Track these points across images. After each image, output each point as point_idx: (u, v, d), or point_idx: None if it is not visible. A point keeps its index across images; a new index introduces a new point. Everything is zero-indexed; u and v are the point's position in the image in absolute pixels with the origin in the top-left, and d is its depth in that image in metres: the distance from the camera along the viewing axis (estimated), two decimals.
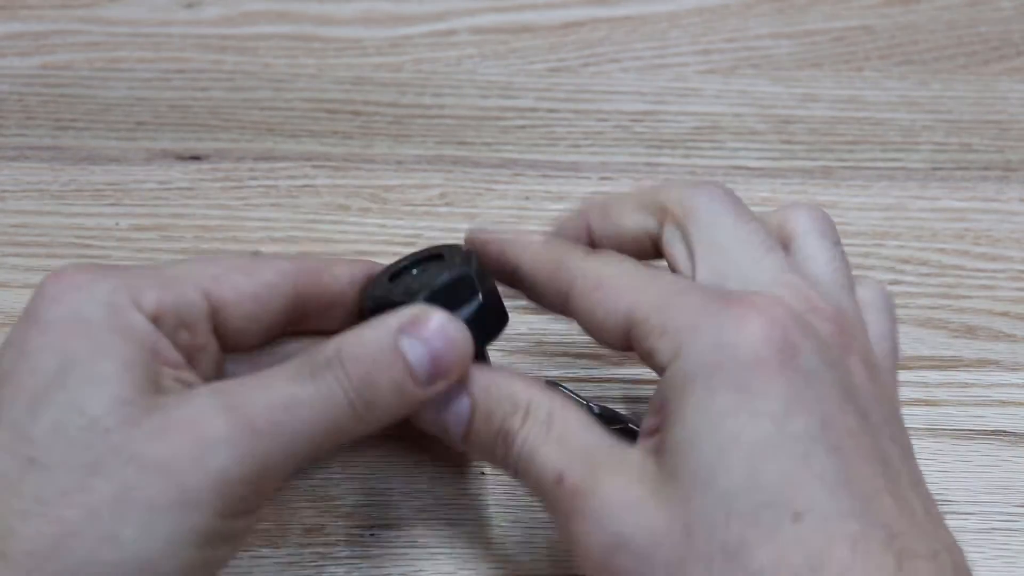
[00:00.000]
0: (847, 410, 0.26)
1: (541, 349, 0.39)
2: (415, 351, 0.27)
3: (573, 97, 0.48)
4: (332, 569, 0.34)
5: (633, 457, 0.27)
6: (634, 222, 0.32)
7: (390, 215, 0.44)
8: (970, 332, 0.40)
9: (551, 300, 0.32)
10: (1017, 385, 0.39)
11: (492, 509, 0.35)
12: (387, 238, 0.43)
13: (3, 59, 0.49)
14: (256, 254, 0.30)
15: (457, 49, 0.50)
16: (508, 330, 0.40)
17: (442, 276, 0.30)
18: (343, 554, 0.34)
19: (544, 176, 0.45)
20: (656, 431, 0.27)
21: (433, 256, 0.32)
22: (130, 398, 0.25)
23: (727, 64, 0.50)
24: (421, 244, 0.42)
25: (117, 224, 0.43)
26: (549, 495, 0.28)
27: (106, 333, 0.26)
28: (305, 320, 0.30)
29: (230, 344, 0.29)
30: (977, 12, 0.52)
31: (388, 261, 0.41)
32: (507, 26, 0.51)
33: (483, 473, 0.36)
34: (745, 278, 0.29)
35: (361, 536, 0.35)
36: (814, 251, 0.31)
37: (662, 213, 0.31)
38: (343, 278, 0.31)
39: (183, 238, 0.42)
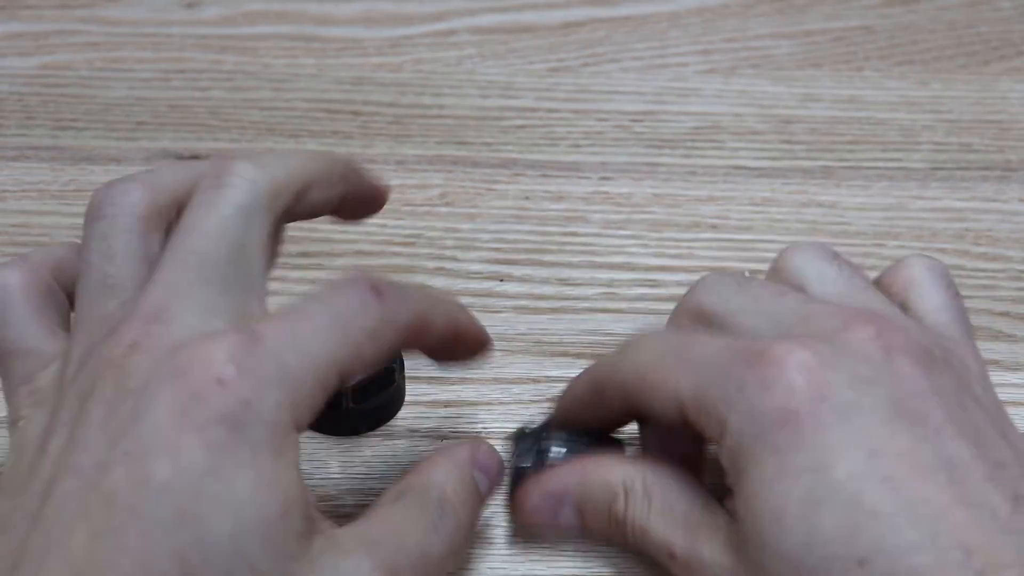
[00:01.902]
0: (896, 428, 0.26)
1: (541, 349, 0.39)
2: (482, 484, 0.30)
3: (573, 97, 0.48)
4: None
5: (721, 518, 0.28)
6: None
7: (390, 215, 0.44)
8: None
9: (613, 419, 0.33)
10: (1017, 385, 0.39)
11: (492, 509, 0.35)
12: (387, 238, 0.43)
13: (3, 59, 0.49)
14: (382, 292, 0.27)
15: (457, 49, 0.50)
16: (508, 330, 0.40)
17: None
18: None
19: (544, 176, 0.45)
20: (731, 491, 0.28)
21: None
22: (294, 551, 0.24)
23: (727, 64, 0.50)
24: (421, 244, 0.43)
25: None
26: (667, 567, 0.29)
27: (272, 464, 0.24)
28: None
29: None
30: (977, 12, 0.52)
31: (388, 262, 0.41)
32: (507, 26, 0.51)
33: None
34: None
35: None
36: (921, 292, 0.32)
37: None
38: (435, 331, 0.30)
39: None
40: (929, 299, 0.31)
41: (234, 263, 0.27)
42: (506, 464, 0.32)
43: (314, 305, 0.26)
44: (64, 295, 0.29)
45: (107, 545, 0.23)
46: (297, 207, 0.30)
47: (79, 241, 0.29)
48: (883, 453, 0.25)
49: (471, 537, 0.29)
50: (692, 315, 0.32)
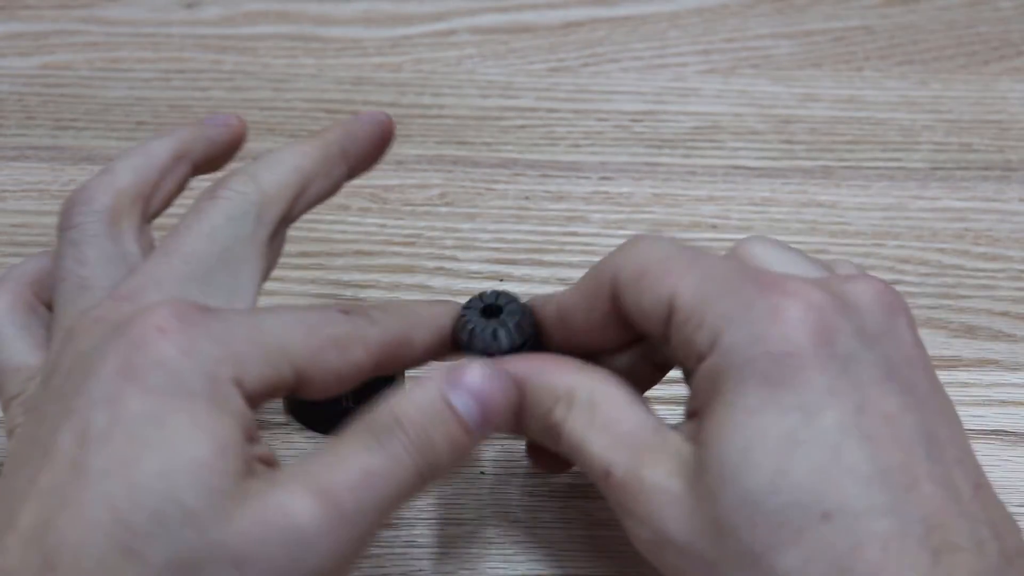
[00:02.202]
0: (888, 390, 0.25)
1: None
2: (465, 404, 0.27)
3: (573, 97, 0.48)
4: None
5: (673, 442, 0.27)
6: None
7: (390, 215, 0.44)
8: (970, 332, 0.40)
9: (596, 325, 0.30)
10: (1017, 385, 0.39)
11: (492, 509, 0.35)
12: (387, 238, 0.43)
13: (3, 59, 0.49)
14: (349, 311, 0.28)
15: (457, 49, 0.50)
16: None
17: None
18: None
19: (544, 176, 0.45)
20: (695, 415, 0.27)
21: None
22: (227, 489, 0.24)
23: (727, 64, 0.50)
24: (421, 243, 0.43)
25: None
26: (601, 488, 0.27)
27: (208, 410, 0.24)
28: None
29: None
30: (977, 12, 0.52)
31: (388, 262, 0.41)
32: (507, 26, 0.51)
33: (482, 473, 0.36)
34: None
35: None
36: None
37: None
38: (418, 349, 0.30)
39: None
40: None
41: (219, 267, 0.28)
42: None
43: (282, 308, 0.28)
44: (44, 307, 0.31)
45: (48, 505, 0.24)
46: (297, 207, 0.31)
47: (51, 248, 0.30)
48: (871, 412, 0.25)
49: (440, 459, 0.27)
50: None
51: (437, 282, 0.41)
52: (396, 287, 0.41)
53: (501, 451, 0.37)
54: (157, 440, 0.24)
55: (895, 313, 0.27)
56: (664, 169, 0.46)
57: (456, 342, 0.31)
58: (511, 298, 0.31)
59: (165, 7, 0.51)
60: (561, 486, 0.36)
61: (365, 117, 0.34)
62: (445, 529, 0.35)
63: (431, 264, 0.42)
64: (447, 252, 0.42)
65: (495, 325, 0.30)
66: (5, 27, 0.50)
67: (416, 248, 0.43)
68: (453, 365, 0.28)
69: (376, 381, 0.35)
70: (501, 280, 0.41)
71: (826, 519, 0.23)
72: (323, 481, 0.25)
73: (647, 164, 0.46)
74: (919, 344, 0.27)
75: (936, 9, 0.52)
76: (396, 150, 0.46)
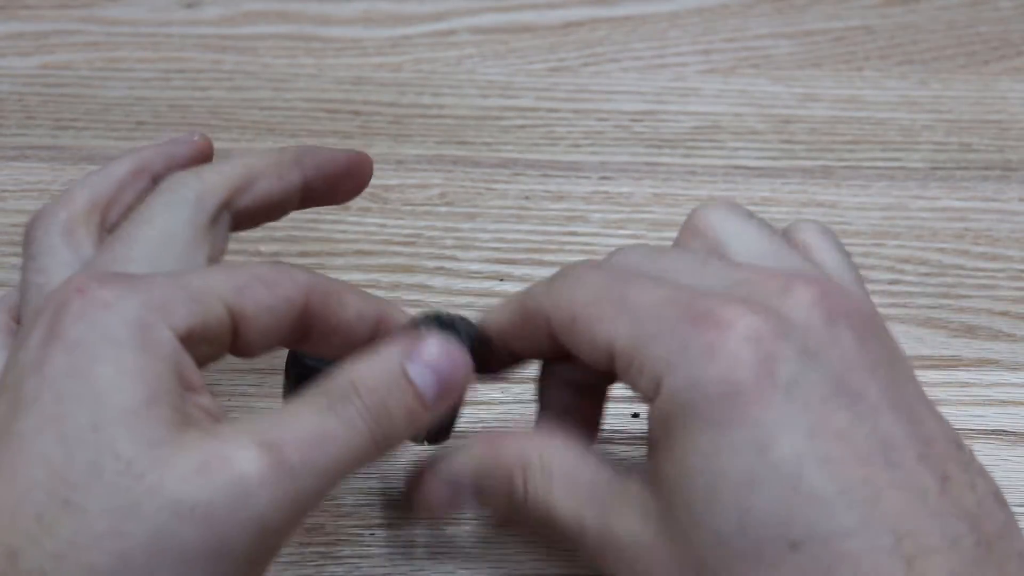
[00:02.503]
0: (838, 405, 0.25)
1: None
2: (422, 376, 0.27)
3: (573, 97, 0.48)
4: (332, 569, 0.34)
5: (633, 490, 0.27)
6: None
7: (390, 215, 0.44)
8: (970, 332, 0.40)
9: (539, 349, 0.30)
10: (1017, 385, 0.39)
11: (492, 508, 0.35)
12: (387, 238, 0.43)
13: (3, 59, 0.49)
14: (277, 263, 0.29)
15: (457, 49, 0.50)
16: None
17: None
18: (343, 554, 0.34)
19: (544, 176, 0.45)
20: (653, 449, 0.27)
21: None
22: (163, 436, 0.24)
23: (727, 64, 0.50)
24: (421, 243, 0.43)
25: None
26: (580, 548, 0.28)
27: (135, 357, 0.25)
28: (304, 339, 0.30)
29: (236, 354, 0.29)
30: (977, 12, 0.52)
31: (388, 261, 0.41)
32: (507, 26, 0.51)
33: None
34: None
35: (361, 536, 0.34)
36: (821, 255, 0.30)
37: None
38: (350, 309, 0.29)
39: None
40: (829, 259, 0.30)
41: (161, 249, 0.30)
42: None
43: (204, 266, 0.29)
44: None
45: None
46: (243, 200, 0.32)
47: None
48: (823, 433, 0.24)
49: (394, 427, 0.27)
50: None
51: (437, 282, 0.41)
52: (396, 287, 0.41)
53: None
54: (85, 393, 0.24)
55: (834, 321, 0.26)
56: (664, 169, 0.46)
57: None
58: (463, 318, 0.31)
59: (165, 7, 0.51)
60: None
61: (335, 151, 0.35)
62: (445, 529, 0.35)
63: (431, 264, 0.42)
64: (447, 252, 0.42)
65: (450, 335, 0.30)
66: (5, 27, 0.50)
67: (416, 248, 0.43)
68: (412, 335, 0.28)
69: None
70: (501, 280, 0.41)
71: (795, 548, 0.24)
72: (271, 436, 0.25)
73: (647, 164, 0.46)
74: (864, 345, 0.26)
75: (936, 9, 0.52)
76: (396, 150, 0.46)
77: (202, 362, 0.27)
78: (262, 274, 0.28)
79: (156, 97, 0.48)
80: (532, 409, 0.37)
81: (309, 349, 0.30)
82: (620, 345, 0.26)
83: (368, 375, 0.27)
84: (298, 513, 0.25)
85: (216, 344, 0.27)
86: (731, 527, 0.24)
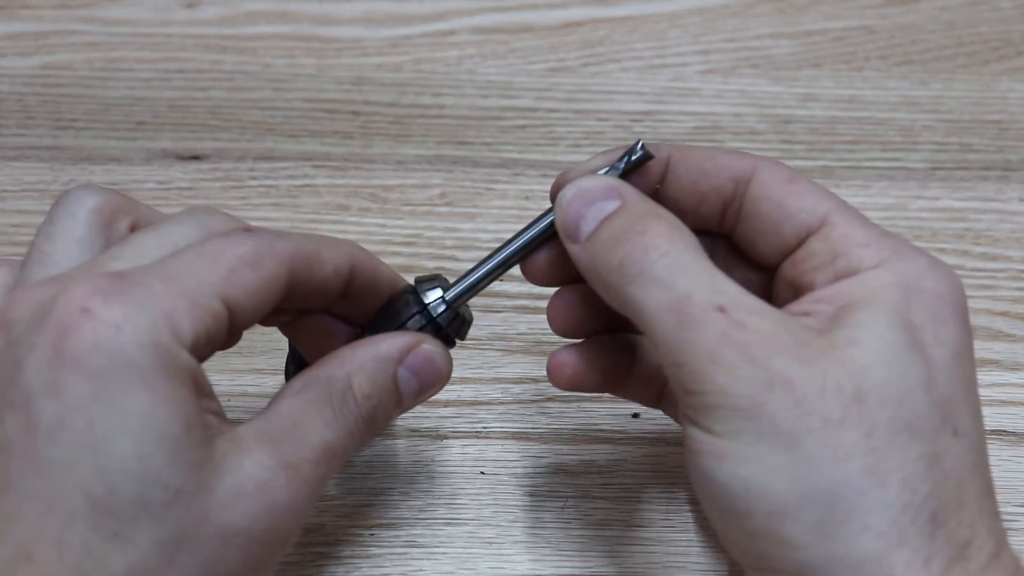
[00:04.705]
0: None
1: (541, 349, 0.39)
2: (408, 384, 0.29)
3: (573, 97, 0.48)
4: (332, 569, 0.34)
5: (775, 312, 0.27)
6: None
7: (390, 215, 0.44)
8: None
9: (718, 196, 0.31)
10: (1017, 385, 0.39)
11: (492, 509, 0.35)
12: (387, 238, 0.43)
13: (3, 59, 0.49)
14: (252, 229, 0.29)
15: (457, 49, 0.50)
16: (508, 330, 0.40)
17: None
18: (343, 554, 0.34)
19: (544, 176, 0.45)
20: (807, 314, 0.27)
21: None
22: (200, 458, 0.25)
23: (727, 64, 0.50)
24: (421, 243, 0.43)
25: None
26: (695, 323, 0.26)
27: (163, 383, 0.24)
28: (284, 304, 0.30)
29: (226, 345, 0.29)
30: (977, 12, 0.52)
31: (388, 261, 0.41)
32: (507, 26, 0.51)
33: (483, 473, 0.36)
34: None
35: (361, 536, 0.35)
36: None
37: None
38: (328, 266, 0.30)
39: None
40: None
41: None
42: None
43: (185, 249, 0.27)
44: None
45: (11, 498, 0.24)
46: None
47: None
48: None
49: (375, 430, 0.29)
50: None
51: None
52: None
53: (501, 451, 0.37)
54: (120, 423, 0.24)
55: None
56: None
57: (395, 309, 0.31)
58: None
59: (165, 7, 0.51)
60: (561, 486, 0.36)
61: None
62: (445, 529, 0.35)
63: (431, 264, 0.42)
64: (447, 252, 0.42)
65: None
66: (5, 27, 0.50)
67: (416, 248, 0.43)
68: (411, 339, 0.29)
69: None
70: (501, 280, 0.41)
71: (955, 434, 0.26)
72: (288, 451, 0.26)
73: None
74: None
75: (936, 9, 0.52)
76: (396, 150, 0.46)
77: (204, 360, 0.27)
78: (244, 254, 0.27)
79: (156, 97, 0.48)
80: (531, 410, 0.37)
81: (287, 305, 0.30)
82: (843, 218, 0.29)
83: (366, 382, 0.29)
84: (304, 521, 0.27)
85: (216, 342, 0.27)
86: (913, 398, 0.26)
